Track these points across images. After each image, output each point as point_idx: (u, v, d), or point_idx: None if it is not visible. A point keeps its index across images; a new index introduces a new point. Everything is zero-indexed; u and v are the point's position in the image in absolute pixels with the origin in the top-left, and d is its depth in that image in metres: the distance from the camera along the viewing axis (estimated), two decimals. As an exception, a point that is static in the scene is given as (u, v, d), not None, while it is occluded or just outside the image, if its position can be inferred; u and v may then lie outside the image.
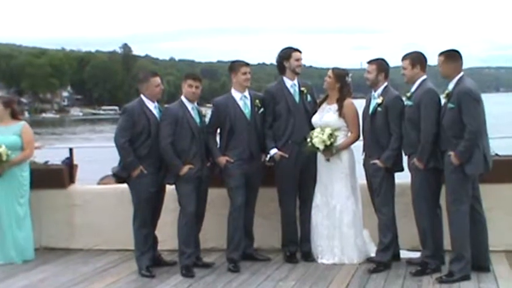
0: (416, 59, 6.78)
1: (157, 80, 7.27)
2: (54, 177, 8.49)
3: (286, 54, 7.45)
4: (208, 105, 7.63)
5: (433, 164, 6.57)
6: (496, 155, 7.30)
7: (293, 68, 7.42)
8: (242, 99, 7.34)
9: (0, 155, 7.72)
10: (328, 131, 7.06)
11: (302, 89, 7.43)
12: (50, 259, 8.02)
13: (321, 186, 7.34)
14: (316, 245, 7.35)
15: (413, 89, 6.76)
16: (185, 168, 7.01)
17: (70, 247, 8.46)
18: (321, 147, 7.05)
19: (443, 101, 6.53)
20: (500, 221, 7.21)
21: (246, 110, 7.33)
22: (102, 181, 11.51)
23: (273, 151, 7.33)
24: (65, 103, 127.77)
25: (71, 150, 8.73)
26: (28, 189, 8.01)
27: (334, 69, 7.37)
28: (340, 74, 7.29)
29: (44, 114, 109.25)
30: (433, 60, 6.71)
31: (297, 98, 7.40)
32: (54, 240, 8.49)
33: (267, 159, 7.48)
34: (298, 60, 7.44)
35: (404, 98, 6.86)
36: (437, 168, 6.57)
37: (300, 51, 7.48)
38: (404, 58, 6.83)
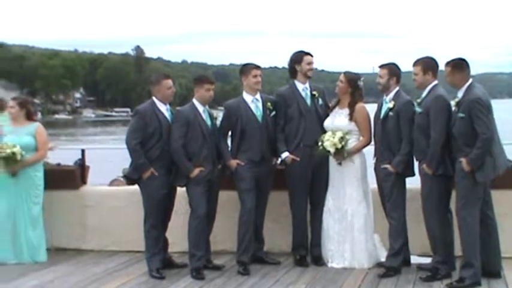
0: (428, 65, 6.76)
1: (170, 82, 7.29)
2: (66, 178, 8.54)
3: (298, 57, 7.46)
4: (220, 108, 7.65)
5: (442, 171, 6.56)
6: (508, 161, 7.28)
7: (304, 72, 7.42)
8: (254, 102, 7.35)
9: (14, 155, 7.78)
10: (339, 134, 7.06)
11: (314, 92, 7.44)
12: (61, 260, 8.05)
13: (333, 191, 7.34)
14: (327, 249, 7.34)
15: (423, 95, 6.74)
16: (196, 171, 7.03)
17: (81, 248, 8.50)
18: (332, 150, 7.05)
19: (453, 108, 6.51)
20: (512, 227, 7.17)
21: (258, 112, 7.34)
22: (112, 184, 11.57)
23: (285, 154, 7.33)
24: (78, 104, 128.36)
25: (83, 151, 8.78)
26: (42, 189, 8.05)
27: (346, 73, 7.36)
28: (352, 78, 7.29)
29: (56, 116, 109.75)
30: (442, 65, 6.69)
31: (308, 102, 7.41)
32: (66, 240, 8.53)
33: (279, 162, 7.49)
34: (309, 64, 7.44)
35: (415, 104, 6.85)
36: (446, 175, 6.56)
37: (312, 55, 7.49)
38: (415, 64, 6.81)
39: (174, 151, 7.06)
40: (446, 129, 6.49)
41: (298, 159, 7.30)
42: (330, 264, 7.28)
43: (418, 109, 6.73)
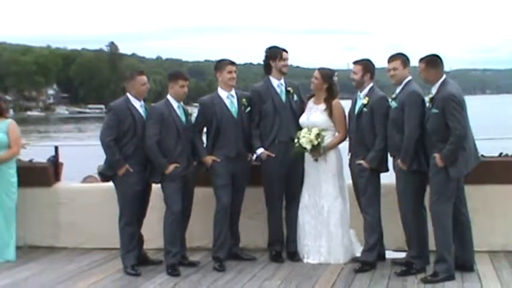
0: (406, 60, 6.82)
1: (144, 78, 7.25)
2: (39, 175, 8.45)
3: (273, 54, 7.45)
4: (194, 104, 7.62)
5: (416, 166, 6.60)
6: (482, 156, 7.36)
7: (279, 68, 7.42)
8: (229, 98, 7.34)
9: None
10: (315, 130, 7.08)
11: (289, 88, 7.44)
12: (34, 257, 7.97)
13: (309, 187, 7.35)
14: (303, 245, 7.35)
15: (398, 90, 6.78)
16: (171, 167, 7.00)
17: (55, 245, 8.41)
18: (309, 147, 7.07)
19: (426, 104, 6.55)
20: (484, 222, 7.25)
21: (233, 108, 7.33)
22: (85, 180, 11.47)
23: (260, 150, 7.34)
24: (51, 101, 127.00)
25: (56, 148, 8.70)
26: (16, 186, 7.95)
27: (320, 69, 7.37)
28: (327, 74, 7.31)
29: (29, 112, 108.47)
30: (416, 62, 6.73)
31: (283, 98, 7.41)
32: (39, 238, 8.44)
33: (254, 158, 7.49)
34: (284, 60, 7.45)
35: (389, 99, 6.88)
36: (420, 171, 6.61)
37: (287, 51, 7.49)
38: (393, 59, 6.82)
39: (148, 148, 7.02)
40: (421, 125, 6.54)
41: (273, 155, 7.31)
42: (306, 260, 7.30)
43: (393, 103, 6.77)
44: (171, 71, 7.75)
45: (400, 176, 6.76)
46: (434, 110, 6.38)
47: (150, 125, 7.04)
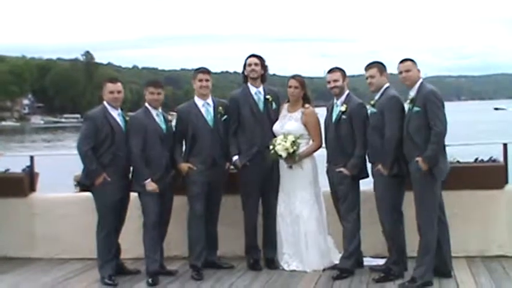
0: (382, 67, 6.84)
1: (111, 86, 7.12)
2: (14, 186, 8.34)
3: (245, 62, 7.49)
4: (172, 113, 7.60)
5: (397, 170, 6.61)
6: (458, 162, 7.41)
7: (247, 74, 7.43)
8: (204, 106, 7.33)
9: None
10: (291, 138, 7.07)
11: (268, 96, 7.45)
12: (9, 269, 7.85)
13: (284, 195, 7.34)
14: (282, 253, 7.34)
15: (377, 96, 6.79)
16: (152, 186, 6.97)
17: (30, 256, 8.28)
18: (284, 154, 7.06)
19: (407, 107, 6.57)
20: (461, 227, 7.28)
21: (209, 117, 7.31)
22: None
23: (235, 158, 7.33)
24: (26, 111, 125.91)
25: (31, 158, 8.59)
26: None
27: (296, 77, 7.37)
28: (303, 81, 7.35)
29: (3, 122, 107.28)
30: (394, 69, 6.74)
31: (261, 106, 7.41)
32: (14, 249, 8.32)
33: (231, 166, 7.47)
34: (250, 65, 7.46)
35: (368, 106, 6.90)
36: (400, 175, 6.62)
37: (256, 56, 7.48)
38: (370, 67, 6.85)
39: (132, 158, 7.00)
40: (401, 130, 6.55)
41: (247, 164, 7.29)
42: (286, 267, 7.27)
43: (372, 109, 6.78)
44: (146, 80, 7.72)
45: (379, 181, 6.75)
46: (416, 108, 6.39)
47: (132, 136, 7.00)
